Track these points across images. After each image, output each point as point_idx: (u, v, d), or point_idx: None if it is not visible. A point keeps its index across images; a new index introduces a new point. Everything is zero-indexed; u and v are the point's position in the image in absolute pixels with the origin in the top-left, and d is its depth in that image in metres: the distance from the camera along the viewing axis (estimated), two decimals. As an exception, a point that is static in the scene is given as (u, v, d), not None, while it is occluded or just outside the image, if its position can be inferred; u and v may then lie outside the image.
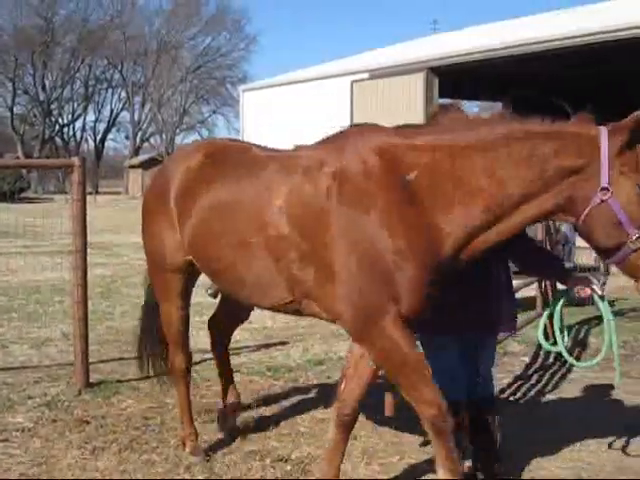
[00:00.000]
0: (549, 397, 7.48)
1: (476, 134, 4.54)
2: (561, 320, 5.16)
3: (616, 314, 11.19)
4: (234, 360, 8.63)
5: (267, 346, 9.31)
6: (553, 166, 4.38)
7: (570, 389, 7.77)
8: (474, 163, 4.48)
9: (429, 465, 5.63)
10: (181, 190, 5.39)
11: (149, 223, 5.73)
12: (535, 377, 8.15)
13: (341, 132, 5.01)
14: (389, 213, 4.44)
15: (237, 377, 7.84)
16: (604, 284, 11.91)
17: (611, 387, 7.77)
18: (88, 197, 7.85)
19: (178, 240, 5.45)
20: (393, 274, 4.38)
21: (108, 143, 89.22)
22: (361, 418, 6.52)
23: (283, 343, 9.46)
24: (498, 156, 4.46)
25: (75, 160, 7.68)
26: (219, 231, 5.06)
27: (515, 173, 4.42)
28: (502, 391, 7.44)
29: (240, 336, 9.79)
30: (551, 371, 8.40)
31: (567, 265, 11.53)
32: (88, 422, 6.53)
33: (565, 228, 11.95)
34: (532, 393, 7.60)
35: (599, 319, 10.87)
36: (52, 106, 79.09)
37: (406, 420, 6.02)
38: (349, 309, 4.52)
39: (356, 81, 35.95)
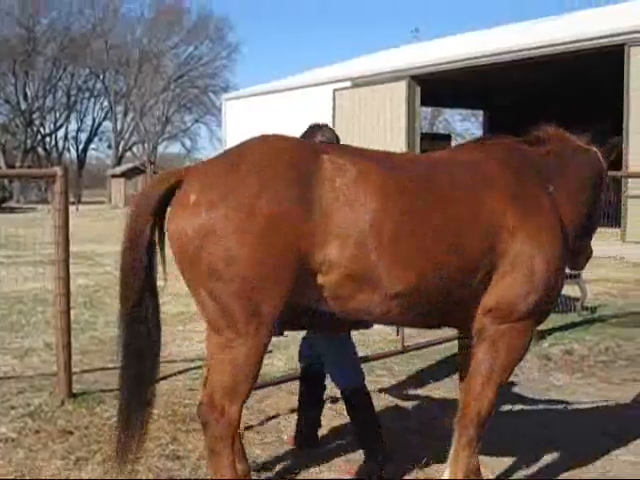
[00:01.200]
0: (532, 403, 7.50)
1: (574, 146, 5.22)
2: None
3: (598, 321, 11.32)
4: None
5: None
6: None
7: (553, 395, 7.81)
8: (581, 171, 5.09)
9: (414, 469, 5.67)
10: (331, 201, 4.31)
11: (253, 242, 4.18)
12: (519, 383, 8.17)
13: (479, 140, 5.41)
14: (557, 222, 4.82)
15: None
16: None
17: (594, 393, 7.82)
18: (71, 207, 7.83)
19: (307, 262, 4.30)
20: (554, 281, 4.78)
21: (90, 152, 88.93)
22: (345, 422, 6.55)
23: (267, 351, 9.41)
24: (588, 164, 5.17)
25: (57, 170, 7.65)
26: (414, 246, 4.43)
27: (596, 182, 5.24)
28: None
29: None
30: (534, 377, 8.44)
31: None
32: (72, 432, 6.50)
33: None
34: (516, 399, 7.62)
35: (582, 325, 10.97)
36: (34, 115, 78.84)
37: (392, 428, 6.07)
38: (505, 311, 4.67)
39: (338, 89, 36.07)
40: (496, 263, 4.57)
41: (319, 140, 5.69)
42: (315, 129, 5.90)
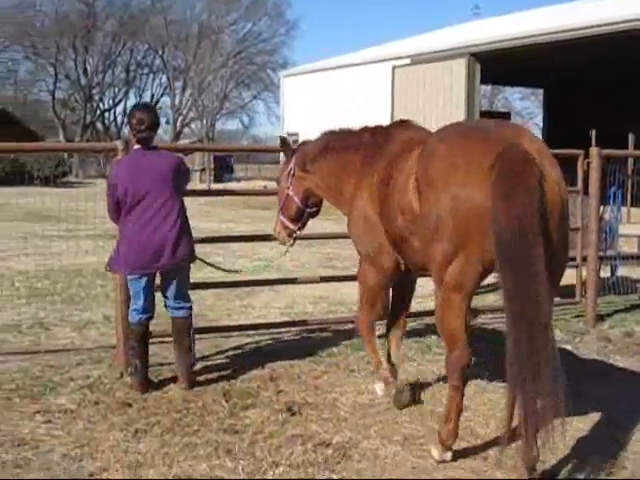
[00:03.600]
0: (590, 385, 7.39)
1: None
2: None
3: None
4: (273, 345, 8.66)
5: (308, 331, 9.29)
6: None
7: (613, 378, 7.67)
8: None
9: (465, 452, 5.63)
10: None
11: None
12: (578, 365, 8.06)
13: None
14: None
15: (277, 362, 7.87)
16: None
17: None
18: (130, 181, 7.85)
19: None
20: None
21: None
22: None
23: (324, 328, 9.40)
24: None
25: (118, 144, 7.72)
26: None
27: None
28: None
29: (280, 320, 9.79)
30: (593, 359, 8.31)
31: (610, 253, 11.45)
32: (130, 405, 6.58)
33: (608, 216, 11.81)
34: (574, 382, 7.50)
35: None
36: (93, 91, 79.53)
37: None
38: None
39: (397, 66, 35.81)
40: None
41: (136, 119, 6.78)
42: (135, 109, 6.98)
